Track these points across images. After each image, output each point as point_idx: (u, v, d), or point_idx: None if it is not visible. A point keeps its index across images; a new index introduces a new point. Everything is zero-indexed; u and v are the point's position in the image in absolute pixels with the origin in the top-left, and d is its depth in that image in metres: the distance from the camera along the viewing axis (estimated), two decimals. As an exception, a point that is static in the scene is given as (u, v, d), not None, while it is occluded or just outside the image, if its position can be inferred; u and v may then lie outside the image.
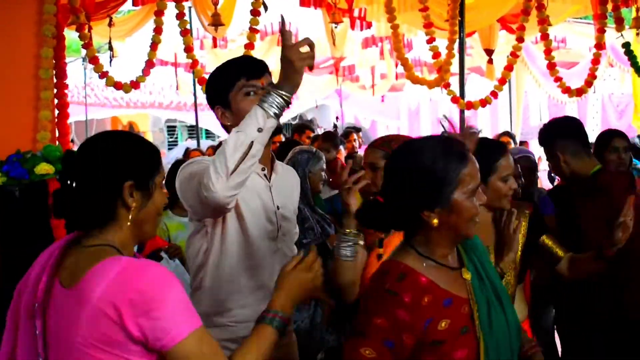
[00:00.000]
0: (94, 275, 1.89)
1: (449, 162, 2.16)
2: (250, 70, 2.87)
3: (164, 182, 2.24)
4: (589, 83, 6.72)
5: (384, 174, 2.31)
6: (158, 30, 5.68)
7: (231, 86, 2.81)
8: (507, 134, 8.91)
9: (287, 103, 2.48)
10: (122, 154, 2.06)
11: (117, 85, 5.57)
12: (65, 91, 5.35)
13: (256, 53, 6.01)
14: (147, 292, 1.88)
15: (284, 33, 2.55)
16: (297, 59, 2.41)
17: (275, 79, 2.70)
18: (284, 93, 2.44)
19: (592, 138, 5.02)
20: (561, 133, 4.06)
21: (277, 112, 2.44)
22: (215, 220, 2.85)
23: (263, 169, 3.01)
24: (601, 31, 6.62)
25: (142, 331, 1.87)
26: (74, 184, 2.02)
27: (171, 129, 17.42)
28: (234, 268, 2.96)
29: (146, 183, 2.08)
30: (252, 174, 2.66)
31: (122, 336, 1.87)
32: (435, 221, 2.18)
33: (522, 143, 9.99)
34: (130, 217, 2.04)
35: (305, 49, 2.46)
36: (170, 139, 17.78)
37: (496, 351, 2.22)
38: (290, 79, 2.47)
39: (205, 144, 12.17)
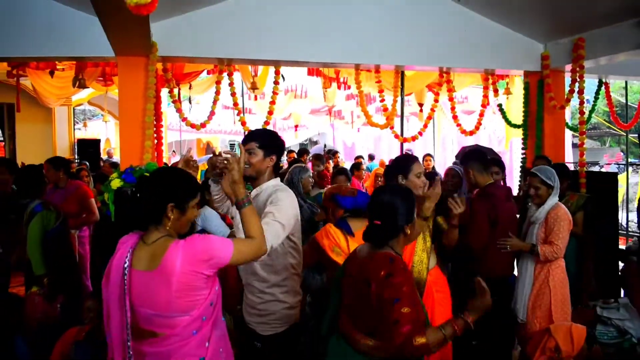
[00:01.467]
0: (169, 255, 1.97)
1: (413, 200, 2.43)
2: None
3: (196, 204, 2.17)
4: (477, 127, 6.75)
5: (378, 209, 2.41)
6: (217, 92, 5.71)
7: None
8: (429, 154, 8.96)
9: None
10: (168, 184, 2.08)
11: (192, 126, 5.63)
12: (161, 130, 5.34)
13: (278, 103, 6.04)
14: (203, 249, 2.00)
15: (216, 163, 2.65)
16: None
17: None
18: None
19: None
20: (472, 157, 4.04)
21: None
22: None
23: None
24: (486, 95, 6.66)
25: (213, 268, 2.03)
26: (138, 196, 2.06)
27: (231, 145, 17.60)
28: None
29: (183, 205, 2.09)
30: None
31: (202, 281, 2.00)
32: (408, 232, 2.39)
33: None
34: (169, 225, 2.07)
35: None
36: (232, 150, 17.87)
37: None
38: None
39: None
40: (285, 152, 9.55)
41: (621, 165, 12.98)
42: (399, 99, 6.67)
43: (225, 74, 5.62)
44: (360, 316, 2.30)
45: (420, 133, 6.51)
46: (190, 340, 2.00)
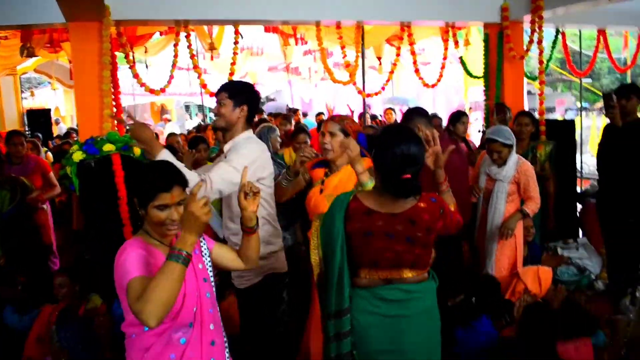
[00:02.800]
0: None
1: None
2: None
3: (163, 205, 1.90)
4: (439, 79, 6.80)
5: (375, 151, 2.26)
6: (176, 55, 5.53)
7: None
8: (390, 108, 9.01)
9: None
10: (133, 178, 2.04)
11: (152, 91, 5.45)
12: (119, 97, 5.14)
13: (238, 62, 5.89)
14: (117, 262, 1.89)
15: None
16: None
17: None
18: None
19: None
20: (416, 112, 3.86)
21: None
22: None
23: None
24: (446, 48, 6.66)
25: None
26: None
27: (187, 107, 17.27)
28: None
29: (142, 203, 1.94)
30: None
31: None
32: None
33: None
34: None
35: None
36: (186, 113, 17.53)
37: None
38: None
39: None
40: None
41: (573, 110, 13.36)
42: (360, 54, 6.61)
43: (182, 35, 5.41)
44: (405, 254, 2.22)
45: (382, 88, 6.50)
46: (130, 342, 1.97)
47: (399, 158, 2.17)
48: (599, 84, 17.33)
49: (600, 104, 14.55)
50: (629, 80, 12.65)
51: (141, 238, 1.97)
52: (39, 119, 10.45)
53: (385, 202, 2.24)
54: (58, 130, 12.72)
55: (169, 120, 15.12)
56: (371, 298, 2.26)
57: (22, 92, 12.35)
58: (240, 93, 2.77)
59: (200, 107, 15.47)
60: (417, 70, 6.47)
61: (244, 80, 13.22)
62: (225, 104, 2.73)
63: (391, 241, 2.19)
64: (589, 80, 15.64)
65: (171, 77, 5.52)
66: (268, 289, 2.86)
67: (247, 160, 2.58)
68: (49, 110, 11.50)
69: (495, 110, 5.71)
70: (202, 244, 2.13)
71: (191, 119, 17.47)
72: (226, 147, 2.80)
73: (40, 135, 8.65)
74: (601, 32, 7.68)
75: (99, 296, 3.83)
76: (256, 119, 8.70)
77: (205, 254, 2.12)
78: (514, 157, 4.10)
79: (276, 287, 2.91)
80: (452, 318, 3.40)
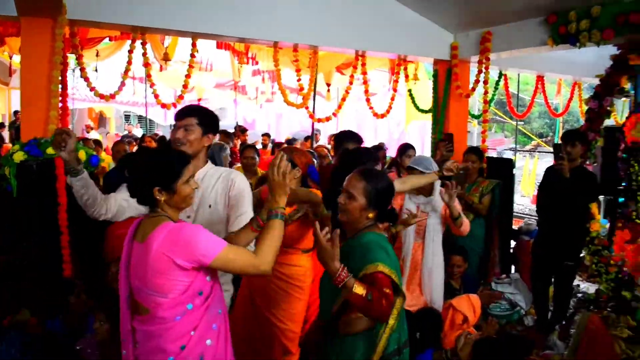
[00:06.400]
0: (156, 233, 1.95)
1: None
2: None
3: (188, 179, 2.08)
4: (388, 110, 6.97)
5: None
6: (129, 62, 5.39)
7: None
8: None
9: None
10: (152, 169, 2.04)
11: (101, 96, 5.28)
12: (67, 99, 4.96)
13: (183, 75, 5.76)
14: (185, 239, 1.93)
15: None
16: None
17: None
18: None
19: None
20: (344, 137, 3.95)
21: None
22: None
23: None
24: (396, 80, 6.87)
25: (189, 262, 1.94)
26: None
27: (127, 117, 16.75)
28: None
29: (169, 186, 2.03)
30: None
31: (174, 268, 1.94)
32: None
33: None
34: (162, 206, 2.06)
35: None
36: (126, 123, 17.00)
37: None
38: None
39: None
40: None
41: (507, 151, 13.99)
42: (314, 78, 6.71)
43: (138, 43, 5.30)
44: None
45: (334, 114, 6.60)
46: (174, 325, 1.98)
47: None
48: (530, 127, 18.32)
49: (530, 146, 15.36)
50: (559, 126, 13.44)
51: (171, 222, 2.04)
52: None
53: None
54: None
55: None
56: None
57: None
58: (211, 122, 2.64)
59: (142, 118, 15.12)
60: (368, 100, 6.62)
61: (189, 93, 13.09)
62: (193, 131, 2.56)
63: None
64: (521, 122, 16.49)
65: (122, 83, 5.36)
66: None
67: (250, 200, 2.65)
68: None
69: (446, 139, 5.91)
70: None
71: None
72: (198, 176, 2.60)
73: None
74: (540, 78, 8.15)
75: (28, 311, 3.63)
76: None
77: None
78: (437, 187, 4.05)
79: None
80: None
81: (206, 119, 2.62)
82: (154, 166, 2.04)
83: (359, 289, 2.02)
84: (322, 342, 2.30)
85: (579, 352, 3.37)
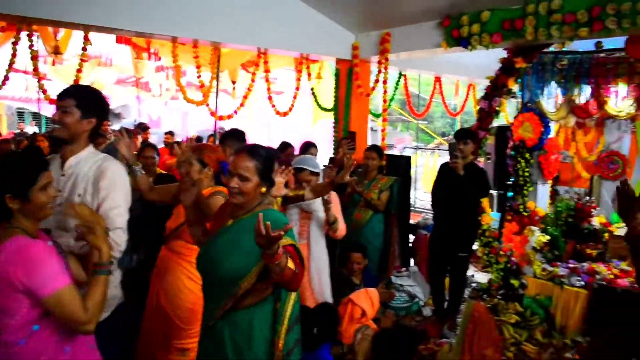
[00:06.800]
0: (2, 247, 1.79)
1: None
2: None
3: (45, 185, 1.92)
4: (290, 108, 7.00)
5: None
6: (14, 55, 5.05)
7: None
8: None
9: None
10: (3, 174, 1.88)
11: (-18, 91, 4.93)
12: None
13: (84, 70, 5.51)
14: (27, 262, 1.78)
15: None
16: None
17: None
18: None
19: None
20: (229, 136, 4.04)
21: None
22: None
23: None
24: (299, 78, 6.91)
25: (20, 283, 1.77)
26: None
27: (20, 114, 15.66)
28: None
29: (22, 193, 1.87)
30: None
31: (12, 289, 1.77)
32: None
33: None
34: (16, 215, 1.89)
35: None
36: (19, 120, 15.90)
37: None
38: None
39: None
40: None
41: (409, 148, 14.48)
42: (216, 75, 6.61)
43: (24, 34, 4.97)
44: None
45: (235, 111, 6.53)
46: (21, 350, 1.82)
47: None
48: (433, 126, 19.08)
49: (433, 144, 15.99)
50: (458, 125, 14.09)
51: (25, 236, 1.87)
52: None
53: None
54: None
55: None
56: None
57: None
58: (90, 103, 2.46)
59: (36, 115, 14.21)
60: (270, 98, 6.61)
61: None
62: (70, 113, 2.39)
63: None
64: (425, 122, 17.11)
65: (6, 77, 5.02)
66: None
67: (128, 200, 2.48)
68: None
69: (348, 137, 6.00)
70: None
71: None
72: (71, 164, 2.47)
73: None
74: (437, 79, 8.50)
75: None
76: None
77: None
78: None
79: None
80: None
81: (86, 101, 2.44)
82: (6, 171, 1.88)
83: (291, 264, 2.03)
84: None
85: (466, 339, 3.54)
